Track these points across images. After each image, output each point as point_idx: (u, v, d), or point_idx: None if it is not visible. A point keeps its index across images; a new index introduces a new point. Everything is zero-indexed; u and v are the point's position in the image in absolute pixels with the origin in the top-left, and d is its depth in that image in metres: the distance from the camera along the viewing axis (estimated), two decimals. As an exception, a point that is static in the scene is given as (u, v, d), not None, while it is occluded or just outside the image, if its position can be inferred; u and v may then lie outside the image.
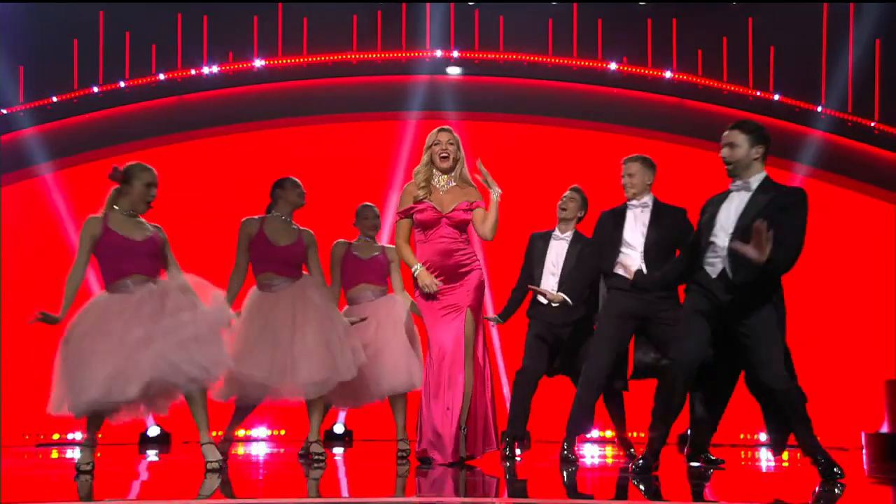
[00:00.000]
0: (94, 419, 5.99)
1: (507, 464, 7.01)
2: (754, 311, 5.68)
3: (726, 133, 5.86)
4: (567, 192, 7.70)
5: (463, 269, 6.59)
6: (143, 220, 6.21)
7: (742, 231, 5.64)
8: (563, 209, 7.61)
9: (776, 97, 10.90)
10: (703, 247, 5.84)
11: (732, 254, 5.66)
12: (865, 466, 7.93)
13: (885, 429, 9.98)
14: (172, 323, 5.78)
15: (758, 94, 10.92)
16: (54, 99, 10.73)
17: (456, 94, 11.00)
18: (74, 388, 5.73)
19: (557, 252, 7.55)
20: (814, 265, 10.99)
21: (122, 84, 10.81)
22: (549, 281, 7.50)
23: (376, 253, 7.43)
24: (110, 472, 6.42)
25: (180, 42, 10.93)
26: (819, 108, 10.87)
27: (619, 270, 6.93)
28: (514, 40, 11.06)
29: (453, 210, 6.59)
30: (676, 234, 6.85)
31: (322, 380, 6.60)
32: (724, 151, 5.84)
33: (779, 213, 5.61)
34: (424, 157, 6.67)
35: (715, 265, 5.77)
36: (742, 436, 10.76)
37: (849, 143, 10.91)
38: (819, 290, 10.94)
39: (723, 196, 5.90)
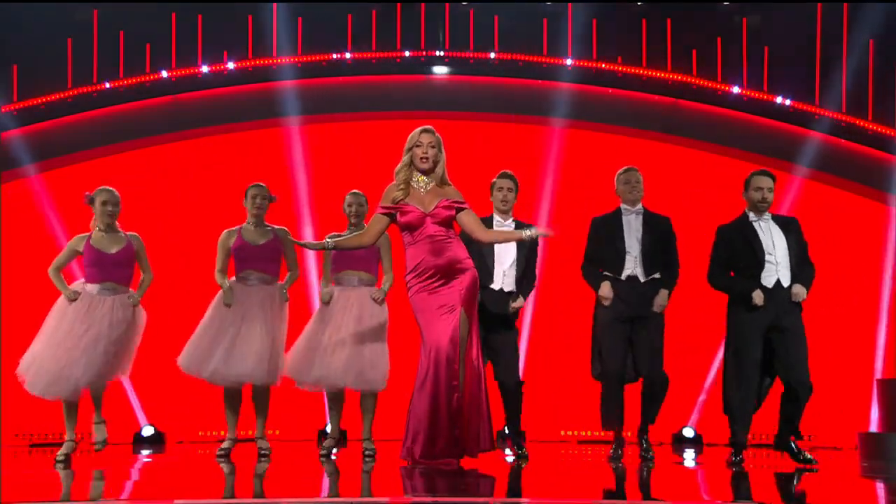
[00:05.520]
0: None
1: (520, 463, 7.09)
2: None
3: (766, 179, 7.35)
4: (503, 181, 7.54)
5: (458, 266, 6.57)
6: (120, 232, 7.55)
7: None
8: (505, 200, 7.49)
9: (770, 97, 10.92)
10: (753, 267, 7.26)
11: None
12: (859, 465, 7.95)
13: (875, 428, 10.02)
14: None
15: (752, 94, 10.94)
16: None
17: (451, 94, 10.99)
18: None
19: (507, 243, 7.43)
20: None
21: (116, 83, 10.80)
22: (497, 271, 7.44)
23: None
24: (105, 472, 6.41)
25: (174, 41, 10.91)
26: (814, 109, 10.89)
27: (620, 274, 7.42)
28: (508, 40, 11.06)
29: (435, 208, 6.56)
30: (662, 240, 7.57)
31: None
32: (767, 195, 7.32)
33: (799, 238, 7.40)
34: (405, 158, 6.63)
35: (769, 281, 7.23)
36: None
37: (844, 144, 10.94)
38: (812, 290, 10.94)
39: (746, 223, 7.37)
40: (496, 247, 7.42)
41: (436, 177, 6.61)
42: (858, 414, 10.32)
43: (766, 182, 7.36)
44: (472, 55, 11.03)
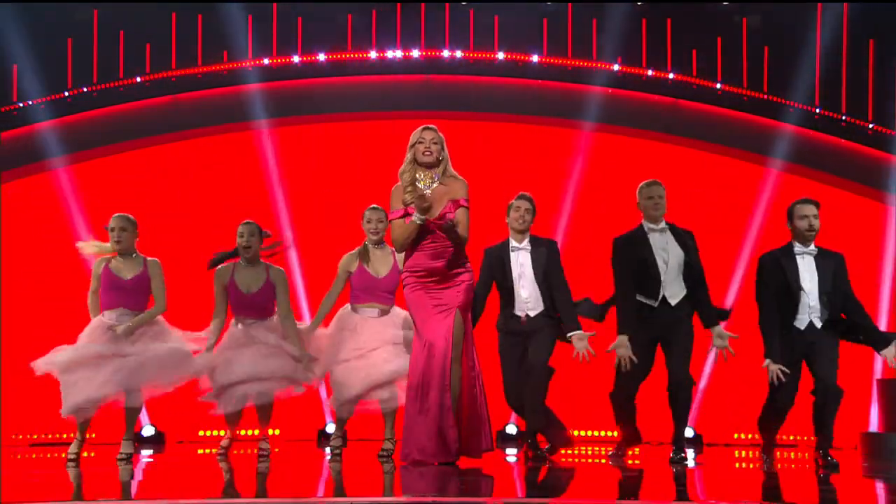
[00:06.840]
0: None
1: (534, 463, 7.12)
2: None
3: (810, 206, 7.16)
4: (521, 202, 7.48)
5: (456, 269, 6.60)
6: (139, 257, 7.36)
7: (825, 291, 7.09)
8: (522, 220, 7.43)
9: (771, 97, 10.93)
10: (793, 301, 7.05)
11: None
12: (860, 465, 7.96)
13: (875, 428, 10.03)
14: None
15: (753, 94, 10.94)
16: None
17: (450, 94, 11.00)
18: None
19: (522, 262, 7.44)
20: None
21: (117, 83, 10.81)
22: (521, 294, 7.41)
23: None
24: (106, 471, 6.42)
25: (174, 41, 10.91)
26: (813, 109, 10.89)
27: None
28: (508, 40, 11.06)
29: (439, 215, 6.57)
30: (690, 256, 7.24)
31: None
32: (814, 222, 7.11)
33: (843, 273, 7.16)
34: (408, 156, 6.65)
35: (803, 318, 7.06)
36: (736, 435, 10.79)
37: (843, 143, 10.94)
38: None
39: (789, 254, 7.11)
40: (515, 276, 7.39)
41: (440, 172, 6.62)
42: (858, 414, 10.33)
43: (810, 209, 7.20)
44: (473, 55, 11.04)
